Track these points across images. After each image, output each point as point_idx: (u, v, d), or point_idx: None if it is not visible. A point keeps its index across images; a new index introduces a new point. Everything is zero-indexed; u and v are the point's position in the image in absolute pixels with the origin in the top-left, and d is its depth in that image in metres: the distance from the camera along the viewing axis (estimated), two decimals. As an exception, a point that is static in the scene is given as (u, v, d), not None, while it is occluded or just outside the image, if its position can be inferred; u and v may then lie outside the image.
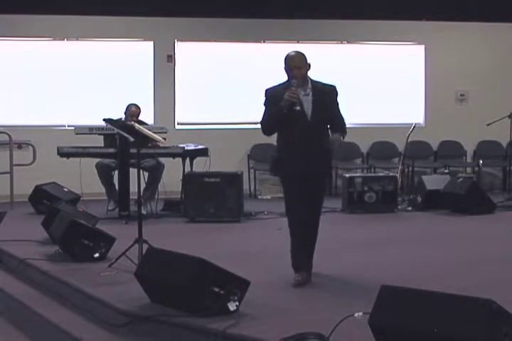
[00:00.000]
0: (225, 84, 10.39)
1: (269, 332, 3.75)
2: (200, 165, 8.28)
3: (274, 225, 7.27)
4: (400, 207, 8.60)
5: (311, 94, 4.87)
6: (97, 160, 8.30)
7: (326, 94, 4.94)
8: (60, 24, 10.03)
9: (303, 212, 4.88)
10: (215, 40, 10.45)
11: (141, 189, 5.79)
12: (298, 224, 4.87)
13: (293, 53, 4.88)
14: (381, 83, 10.62)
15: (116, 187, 8.13)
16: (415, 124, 9.47)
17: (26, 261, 5.72)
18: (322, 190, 5.14)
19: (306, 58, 4.87)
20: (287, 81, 4.87)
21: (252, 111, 10.04)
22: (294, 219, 4.90)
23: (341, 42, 10.42)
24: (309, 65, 4.88)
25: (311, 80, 4.92)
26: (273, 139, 4.96)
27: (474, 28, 10.91)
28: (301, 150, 4.87)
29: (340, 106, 5.01)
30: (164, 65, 10.33)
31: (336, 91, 4.99)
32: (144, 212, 7.50)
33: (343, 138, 4.98)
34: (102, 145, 8.35)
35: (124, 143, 7.55)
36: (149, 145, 7.45)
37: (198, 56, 10.48)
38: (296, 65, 4.82)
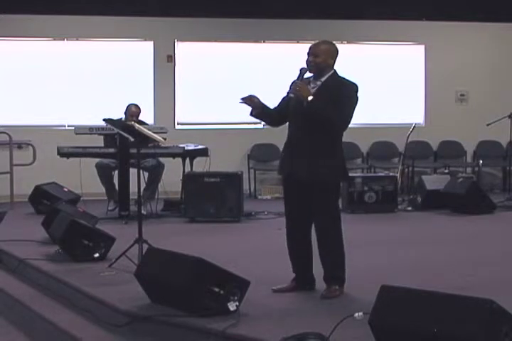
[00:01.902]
0: (225, 84, 10.39)
1: (269, 332, 3.75)
2: (200, 165, 8.28)
3: (274, 225, 7.26)
4: (400, 207, 8.61)
5: (317, 88, 4.49)
6: (97, 160, 8.31)
7: (333, 89, 4.44)
8: (60, 24, 10.04)
9: (291, 218, 4.66)
10: (215, 40, 10.46)
11: (141, 189, 5.79)
12: (287, 229, 4.74)
13: (318, 41, 4.56)
14: (381, 83, 10.62)
15: (116, 187, 8.13)
16: (415, 124, 9.47)
17: (26, 261, 5.71)
18: (319, 200, 4.50)
19: (328, 48, 4.51)
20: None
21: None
22: (286, 224, 4.75)
23: (341, 42, 10.41)
24: (332, 58, 4.49)
25: (332, 75, 4.52)
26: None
27: (474, 28, 10.91)
28: (291, 149, 4.59)
29: (352, 106, 4.46)
30: (164, 65, 10.34)
31: (348, 87, 4.47)
32: (144, 212, 7.49)
33: (317, 109, 4.38)
34: (102, 145, 8.35)
35: (124, 143, 7.54)
36: (150, 145, 7.45)
37: (198, 56, 10.48)
38: (310, 51, 4.49)
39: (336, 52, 4.58)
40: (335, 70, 4.58)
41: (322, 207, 4.55)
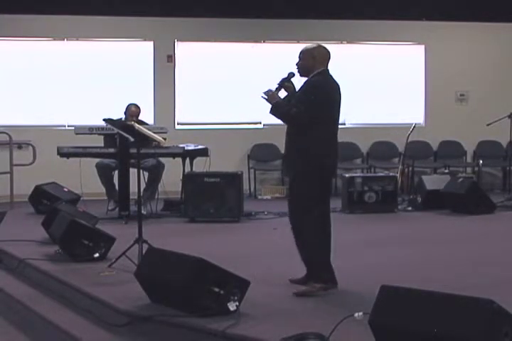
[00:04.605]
0: (225, 84, 10.39)
1: (269, 332, 3.75)
2: (200, 165, 8.28)
3: (274, 225, 7.28)
4: (400, 207, 8.61)
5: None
6: (97, 160, 8.31)
7: (302, 86, 4.70)
8: (60, 24, 10.04)
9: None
10: (215, 40, 10.46)
11: (141, 189, 5.79)
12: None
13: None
14: (381, 83, 10.62)
15: (117, 187, 8.13)
16: (415, 124, 9.47)
17: (26, 261, 5.71)
18: (294, 193, 4.70)
19: (310, 51, 4.67)
20: None
21: (252, 111, 10.09)
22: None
23: (341, 42, 10.41)
24: (314, 58, 4.63)
25: (314, 75, 4.66)
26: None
27: (474, 28, 10.92)
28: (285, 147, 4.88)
29: (307, 99, 4.55)
30: (164, 65, 10.34)
31: (308, 83, 4.65)
32: (144, 212, 7.50)
33: (279, 110, 4.60)
34: (102, 145, 8.35)
35: (124, 143, 7.54)
36: (153, 145, 7.44)
37: (198, 56, 10.48)
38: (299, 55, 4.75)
39: (321, 52, 4.70)
40: (323, 70, 4.68)
41: (293, 198, 4.69)
